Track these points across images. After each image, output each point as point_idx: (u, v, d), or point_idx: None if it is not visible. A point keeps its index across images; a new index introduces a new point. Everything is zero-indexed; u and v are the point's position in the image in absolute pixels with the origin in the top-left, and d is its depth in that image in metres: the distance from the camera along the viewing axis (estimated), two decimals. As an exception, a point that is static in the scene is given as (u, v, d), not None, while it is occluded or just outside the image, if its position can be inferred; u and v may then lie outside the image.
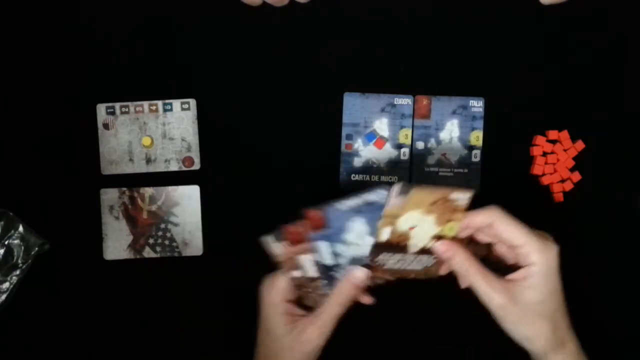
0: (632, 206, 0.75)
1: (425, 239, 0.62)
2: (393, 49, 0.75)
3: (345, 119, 0.75)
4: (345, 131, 0.75)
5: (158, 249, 0.75)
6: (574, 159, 0.75)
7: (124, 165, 0.76)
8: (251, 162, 0.75)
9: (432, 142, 0.75)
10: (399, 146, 0.75)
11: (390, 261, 0.63)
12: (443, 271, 0.65)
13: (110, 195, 0.75)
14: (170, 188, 0.76)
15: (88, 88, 0.75)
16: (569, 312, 0.62)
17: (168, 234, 0.75)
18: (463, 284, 0.63)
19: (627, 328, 0.75)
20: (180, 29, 0.75)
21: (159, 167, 0.76)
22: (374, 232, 0.61)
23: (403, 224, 0.61)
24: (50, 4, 0.75)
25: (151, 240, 0.75)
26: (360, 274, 0.63)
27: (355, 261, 0.63)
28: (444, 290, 0.75)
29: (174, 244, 0.75)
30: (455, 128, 0.75)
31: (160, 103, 0.76)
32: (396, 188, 0.59)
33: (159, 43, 0.75)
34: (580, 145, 0.75)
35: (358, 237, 0.62)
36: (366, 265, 0.63)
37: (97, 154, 0.75)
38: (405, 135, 0.75)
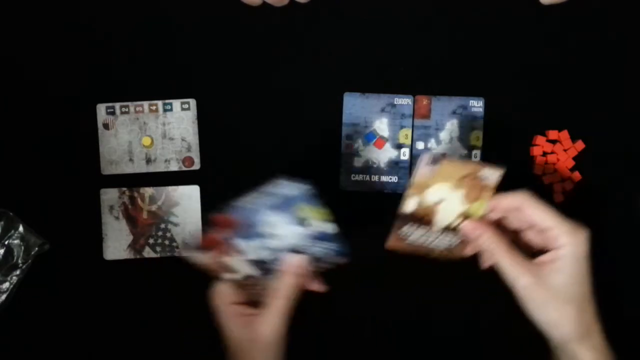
0: (632, 206, 0.75)
1: (451, 216, 0.62)
2: (393, 49, 0.75)
3: (345, 119, 0.75)
4: (345, 131, 0.75)
5: (158, 249, 0.75)
6: (574, 159, 0.75)
7: (124, 165, 0.76)
8: (251, 162, 0.75)
9: (432, 142, 0.75)
10: (399, 146, 0.75)
11: (414, 235, 0.63)
12: (468, 252, 0.64)
13: (110, 195, 0.75)
14: (170, 188, 0.76)
15: (88, 88, 0.75)
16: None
17: (168, 234, 0.75)
18: (486, 262, 0.63)
19: (626, 328, 0.75)
20: (180, 29, 0.75)
21: (159, 167, 0.76)
22: (291, 220, 0.61)
23: (430, 196, 0.61)
24: (50, 4, 0.75)
25: (151, 240, 0.75)
26: (292, 261, 0.63)
27: (286, 250, 0.63)
28: (443, 290, 0.76)
29: (174, 244, 0.75)
30: (455, 128, 0.75)
31: (160, 103, 0.76)
32: (426, 157, 0.60)
33: (159, 43, 0.75)
34: (580, 145, 0.75)
35: (278, 228, 0.62)
36: (298, 252, 0.63)
37: (97, 154, 0.75)
38: (405, 135, 0.75)
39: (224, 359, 0.75)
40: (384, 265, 0.75)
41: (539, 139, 0.75)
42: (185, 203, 0.75)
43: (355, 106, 0.75)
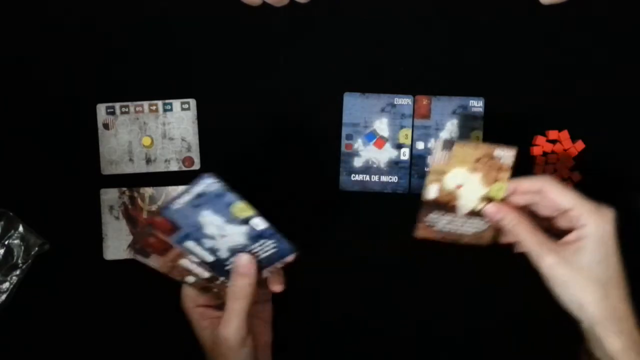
0: (632, 206, 0.75)
1: (474, 200, 0.62)
2: (393, 49, 0.75)
3: (345, 119, 0.75)
4: (345, 131, 0.75)
5: (158, 249, 0.75)
6: (574, 159, 0.75)
7: (124, 165, 0.76)
8: (251, 162, 0.75)
9: (432, 142, 0.75)
10: (399, 146, 0.75)
11: (441, 222, 0.64)
12: (502, 241, 0.64)
13: (110, 195, 0.75)
14: (170, 188, 0.76)
15: (88, 88, 0.75)
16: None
17: (168, 234, 0.75)
18: (517, 247, 0.63)
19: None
20: (180, 29, 0.75)
21: (159, 167, 0.76)
22: (228, 220, 0.60)
23: (450, 181, 0.62)
24: (51, 4, 0.75)
25: (151, 240, 0.75)
26: (241, 262, 0.63)
27: (233, 251, 0.63)
28: (445, 289, 0.76)
29: (174, 244, 0.75)
30: (455, 128, 0.75)
31: (160, 103, 0.76)
32: (439, 143, 0.60)
33: (159, 43, 0.75)
34: (580, 145, 0.75)
35: (218, 229, 0.61)
36: (246, 252, 0.63)
37: (97, 154, 0.75)
38: (405, 135, 0.75)
39: None
40: (384, 265, 0.75)
41: (539, 139, 0.75)
42: (185, 203, 0.75)
43: (355, 106, 0.75)
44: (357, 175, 0.75)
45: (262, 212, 0.61)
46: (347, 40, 0.75)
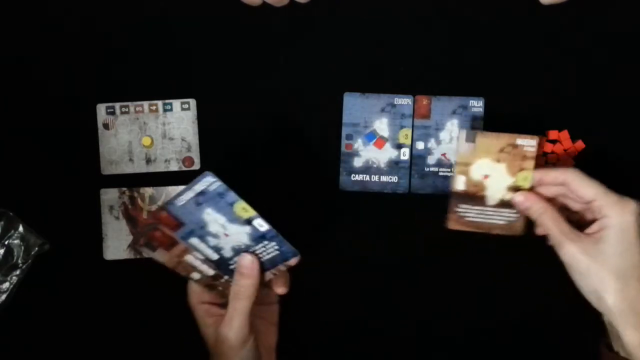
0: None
1: (501, 190, 0.64)
2: (393, 49, 0.75)
3: (345, 119, 0.75)
4: (345, 131, 0.75)
5: (158, 249, 0.75)
6: (574, 159, 0.75)
7: (124, 165, 0.76)
8: (251, 162, 0.75)
9: (432, 142, 0.75)
10: (399, 146, 0.75)
11: (471, 213, 0.65)
12: (538, 232, 0.65)
13: (110, 195, 0.75)
14: (170, 188, 0.76)
15: (88, 88, 0.75)
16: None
17: (168, 234, 0.75)
18: (550, 240, 0.63)
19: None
20: (180, 29, 0.75)
21: (159, 167, 0.76)
22: (231, 219, 0.60)
23: (476, 172, 0.63)
24: (51, 4, 0.75)
25: (151, 240, 0.75)
26: (245, 262, 0.63)
27: (237, 250, 0.63)
28: (446, 289, 0.76)
29: (174, 244, 0.75)
30: (455, 128, 0.75)
31: (160, 103, 0.76)
32: (462, 134, 0.62)
33: (159, 43, 0.75)
34: (580, 145, 0.75)
35: (220, 227, 0.61)
36: (249, 252, 0.63)
37: (97, 154, 0.75)
38: (405, 135, 0.75)
39: None
40: (384, 265, 0.75)
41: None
42: (185, 203, 0.75)
43: (355, 106, 0.75)
44: (357, 175, 0.75)
45: (262, 212, 0.61)
46: (347, 40, 0.75)
